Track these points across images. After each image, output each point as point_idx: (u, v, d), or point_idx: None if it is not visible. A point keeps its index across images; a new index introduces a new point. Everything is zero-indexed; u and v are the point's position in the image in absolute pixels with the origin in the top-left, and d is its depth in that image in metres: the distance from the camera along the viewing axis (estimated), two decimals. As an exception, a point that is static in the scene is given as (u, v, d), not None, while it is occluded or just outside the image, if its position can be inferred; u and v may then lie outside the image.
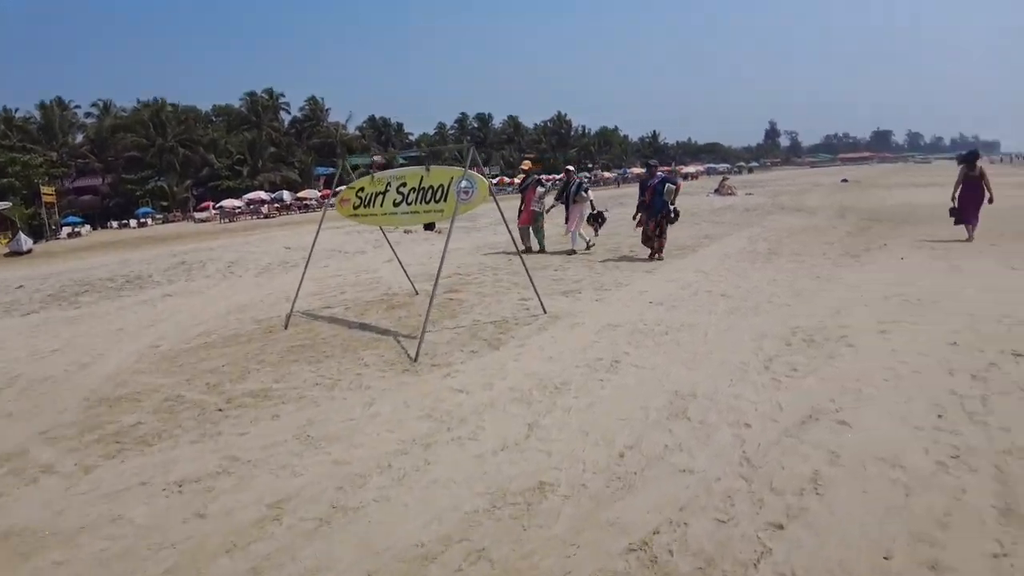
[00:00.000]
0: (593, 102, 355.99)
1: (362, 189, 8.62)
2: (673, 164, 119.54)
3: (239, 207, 60.44)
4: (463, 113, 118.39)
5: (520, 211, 14.42)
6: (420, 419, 4.77)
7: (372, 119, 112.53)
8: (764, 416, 4.35)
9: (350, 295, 10.48)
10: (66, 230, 58.36)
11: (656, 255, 12.05)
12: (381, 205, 8.15)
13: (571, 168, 14.87)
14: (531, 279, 8.08)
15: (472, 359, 6.23)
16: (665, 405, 4.67)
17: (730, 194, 30.78)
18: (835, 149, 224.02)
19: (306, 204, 64.03)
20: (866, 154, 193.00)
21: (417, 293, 10.01)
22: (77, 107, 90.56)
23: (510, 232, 8.65)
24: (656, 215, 12.02)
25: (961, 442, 3.85)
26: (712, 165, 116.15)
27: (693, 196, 32.26)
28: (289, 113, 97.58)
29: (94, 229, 67.03)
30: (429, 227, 20.45)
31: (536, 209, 13.96)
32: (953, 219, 12.77)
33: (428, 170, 7.53)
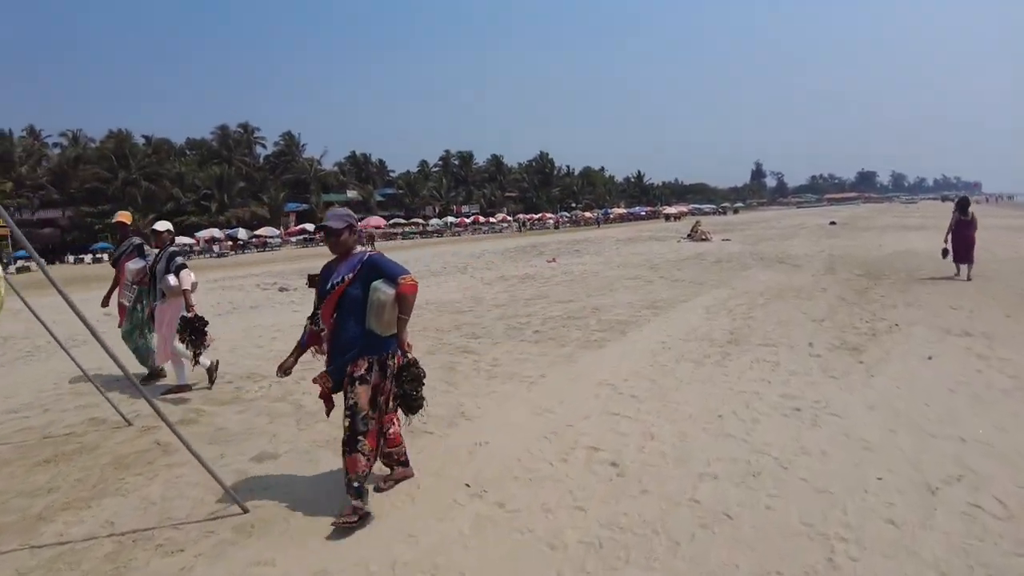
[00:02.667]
0: (580, 142, 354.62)
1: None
2: (658, 204, 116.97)
3: (189, 245, 56.55)
4: (446, 150, 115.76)
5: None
6: None
7: (352, 155, 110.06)
8: None
9: (42, 419, 6.41)
10: (15, 265, 56.12)
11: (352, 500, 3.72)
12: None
13: (163, 228, 7.17)
14: (191, 449, 3.98)
15: None
16: None
17: (703, 239, 26.99)
18: (821, 189, 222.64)
19: (265, 242, 59.93)
20: (851, 194, 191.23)
21: (130, 424, 5.96)
22: (48, 136, 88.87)
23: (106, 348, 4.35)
24: (341, 368, 3.91)
25: None
26: (697, 205, 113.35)
27: (662, 243, 28.51)
28: (265, 148, 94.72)
29: (50, 263, 64.21)
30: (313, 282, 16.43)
31: (125, 303, 7.60)
32: (947, 258, 13.50)
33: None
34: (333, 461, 4.68)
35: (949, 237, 13.48)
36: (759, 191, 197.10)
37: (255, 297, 15.78)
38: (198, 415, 6.13)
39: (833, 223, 40.30)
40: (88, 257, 64.21)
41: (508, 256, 24.94)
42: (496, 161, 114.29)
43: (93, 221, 73.28)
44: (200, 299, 15.74)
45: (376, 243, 52.89)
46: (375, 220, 56.52)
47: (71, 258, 65.90)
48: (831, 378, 6.30)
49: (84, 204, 75.20)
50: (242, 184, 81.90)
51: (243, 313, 13.48)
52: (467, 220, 78.92)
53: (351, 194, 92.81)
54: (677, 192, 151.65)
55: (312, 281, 16.09)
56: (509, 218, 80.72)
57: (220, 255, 54.00)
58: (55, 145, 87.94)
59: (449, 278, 17.91)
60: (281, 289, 16.67)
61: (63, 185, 77.15)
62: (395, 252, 33.56)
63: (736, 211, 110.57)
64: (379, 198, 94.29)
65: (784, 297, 11.62)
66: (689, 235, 28.41)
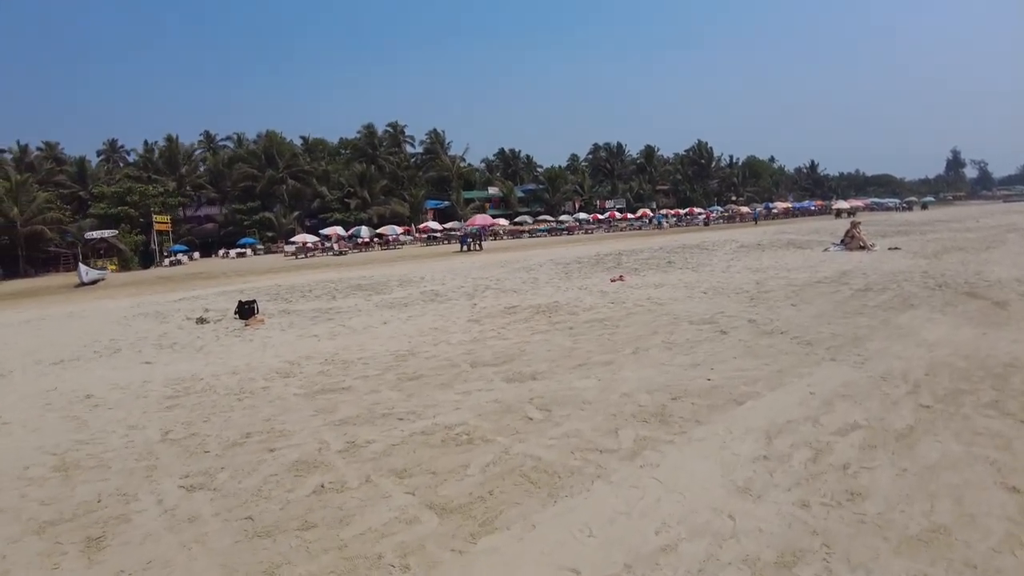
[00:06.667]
0: (750, 128, 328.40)
1: None
2: (832, 198, 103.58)
3: (313, 242, 55.69)
4: (595, 144, 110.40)
5: None
6: None
7: (501, 151, 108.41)
8: None
9: None
10: (170, 259, 59.23)
11: None
12: None
13: None
14: None
15: None
16: None
17: (861, 248, 19.54)
18: None
19: (388, 240, 57.90)
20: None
21: None
22: (223, 140, 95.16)
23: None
24: None
25: None
26: (878, 200, 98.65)
27: (802, 251, 21.25)
28: (413, 146, 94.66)
29: (204, 257, 67.14)
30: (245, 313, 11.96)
31: None
32: None
33: None
34: None
35: None
36: (956, 183, 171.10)
37: (153, 332, 11.78)
38: None
39: (1060, 222, 29.88)
40: (233, 252, 65.68)
41: (570, 269, 19.08)
42: (648, 152, 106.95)
43: (242, 218, 75.97)
44: (94, 331, 12.42)
45: (483, 242, 48.72)
46: (480, 219, 52.24)
47: (221, 252, 68.25)
48: None
49: (236, 202, 78.44)
50: (384, 182, 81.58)
51: (85, 363, 9.61)
52: (600, 216, 72.72)
53: (492, 191, 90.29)
54: (856, 184, 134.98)
55: (242, 310, 11.63)
56: (650, 213, 73.45)
57: (339, 253, 52.38)
58: (223, 147, 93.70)
59: (437, 307, 12.74)
60: (201, 320, 12.37)
61: (219, 184, 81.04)
62: (434, 260, 29.02)
63: (925, 207, 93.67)
64: (520, 194, 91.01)
65: (965, 401, 5.29)
66: (842, 241, 20.96)
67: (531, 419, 5.46)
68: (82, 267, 38.44)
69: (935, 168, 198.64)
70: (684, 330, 8.80)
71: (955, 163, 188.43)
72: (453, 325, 10.38)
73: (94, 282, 36.27)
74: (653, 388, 6.11)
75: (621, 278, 15.31)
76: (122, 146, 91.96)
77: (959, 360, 6.55)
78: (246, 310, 12.01)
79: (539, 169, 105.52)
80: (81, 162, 79.30)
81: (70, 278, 38.63)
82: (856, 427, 4.83)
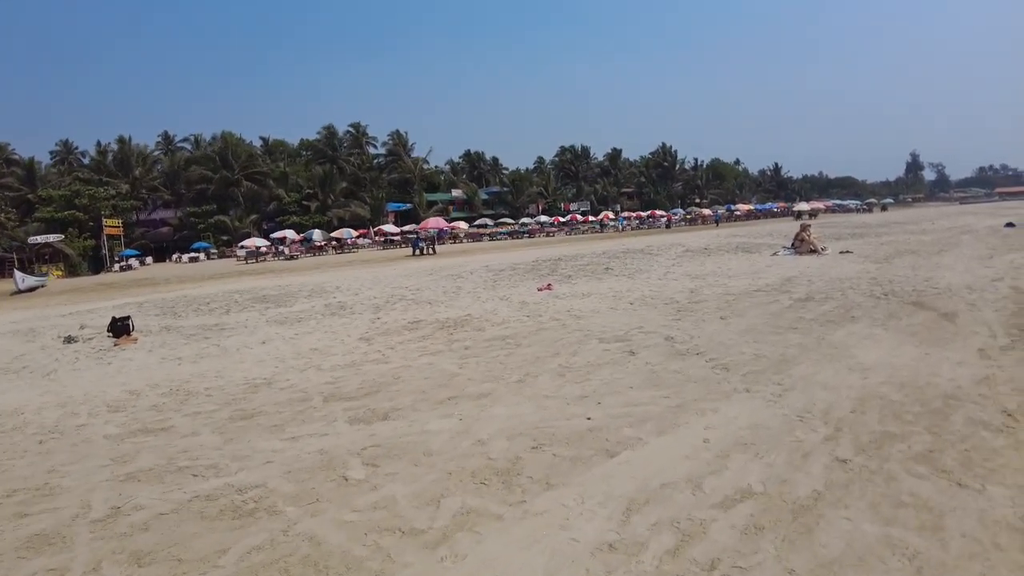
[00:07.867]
0: (717, 132, 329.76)
1: None
2: (795, 200, 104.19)
3: (265, 246, 53.82)
4: (561, 147, 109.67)
5: None
6: None
7: (467, 153, 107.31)
8: None
9: None
10: (120, 264, 57.02)
11: None
12: None
13: None
14: None
15: None
16: None
17: (812, 252, 18.68)
18: (990, 182, 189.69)
19: (343, 244, 56.23)
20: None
21: None
22: (180, 142, 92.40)
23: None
24: None
25: None
26: (840, 201, 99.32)
27: (750, 255, 20.34)
28: (376, 147, 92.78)
29: (158, 261, 64.85)
30: (117, 330, 10.56)
31: None
32: None
33: None
34: None
35: None
36: (915, 185, 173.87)
37: (9, 354, 10.53)
38: None
39: (1011, 225, 29.38)
40: (186, 257, 63.43)
41: (501, 277, 17.83)
42: (613, 155, 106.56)
43: (197, 221, 73.59)
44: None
45: (437, 245, 47.34)
46: (433, 222, 50.98)
47: (175, 256, 66.10)
48: None
49: (192, 205, 76.07)
50: (344, 184, 79.78)
51: None
52: (562, 219, 71.92)
53: (455, 193, 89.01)
54: (819, 186, 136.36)
55: (115, 328, 10.26)
56: (611, 215, 72.77)
57: (290, 257, 50.67)
58: (179, 148, 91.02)
59: (333, 323, 11.47)
60: (69, 340, 10.98)
61: (174, 186, 78.55)
62: (380, 265, 27.85)
63: (884, 208, 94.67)
64: (484, 196, 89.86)
65: (892, 452, 4.26)
66: (793, 244, 20.12)
67: (347, 479, 4.27)
68: (18, 274, 36.55)
69: (895, 171, 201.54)
70: (590, 350, 7.67)
71: (914, 166, 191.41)
72: (339, 344, 9.14)
73: (31, 289, 34.44)
74: (518, 431, 4.95)
75: (549, 287, 14.18)
76: (77, 147, 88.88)
77: (894, 391, 5.51)
78: (119, 327, 10.64)
79: (505, 171, 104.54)
80: (30, 163, 75.84)
81: (10, 285, 36.70)
82: (747, 495, 3.72)
